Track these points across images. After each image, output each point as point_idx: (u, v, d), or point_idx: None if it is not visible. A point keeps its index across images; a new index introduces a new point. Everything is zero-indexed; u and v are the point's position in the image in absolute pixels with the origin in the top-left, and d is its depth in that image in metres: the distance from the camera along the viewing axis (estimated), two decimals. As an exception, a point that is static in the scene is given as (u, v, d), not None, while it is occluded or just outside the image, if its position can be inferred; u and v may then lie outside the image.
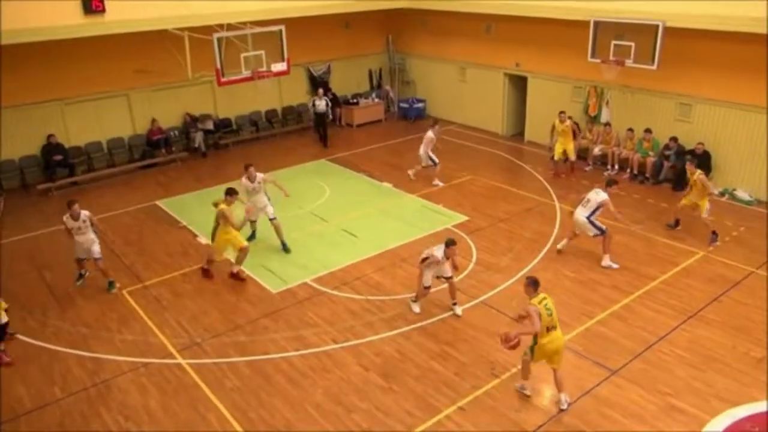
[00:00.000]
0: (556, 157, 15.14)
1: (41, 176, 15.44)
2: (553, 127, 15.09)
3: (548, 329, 7.24)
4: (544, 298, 7.27)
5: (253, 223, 12.08)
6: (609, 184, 11.08)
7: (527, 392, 7.79)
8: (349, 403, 7.79)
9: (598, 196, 10.85)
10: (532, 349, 7.42)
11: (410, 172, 15.26)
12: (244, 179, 11.52)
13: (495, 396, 7.82)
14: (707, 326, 9.17)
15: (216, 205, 10.43)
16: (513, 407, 7.61)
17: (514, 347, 7.28)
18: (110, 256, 11.76)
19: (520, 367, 7.82)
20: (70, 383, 8.33)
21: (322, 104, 18.20)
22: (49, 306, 10.21)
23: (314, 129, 18.95)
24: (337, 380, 8.19)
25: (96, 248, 10.41)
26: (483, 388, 7.95)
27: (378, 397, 7.85)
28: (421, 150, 14.85)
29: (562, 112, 15.00)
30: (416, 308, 9.75)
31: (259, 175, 11.56)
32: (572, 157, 15.10)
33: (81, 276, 10.82)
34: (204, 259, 10.97)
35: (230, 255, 10.89)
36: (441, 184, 14.92)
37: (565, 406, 7.53)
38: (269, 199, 11.85)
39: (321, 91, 18.45)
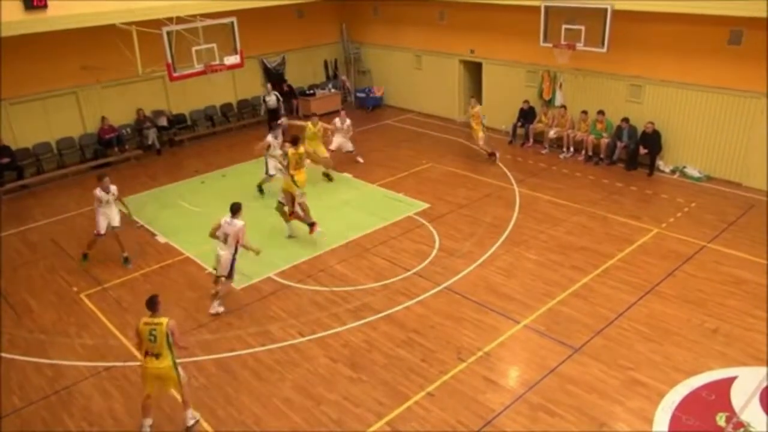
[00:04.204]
0: None
1: (-12, 181, 14.90)
2: None
3: (147, 353, 6.86)
4: (158, 324, 6.77)
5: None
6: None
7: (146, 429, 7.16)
8: (318, 395, 7.78)
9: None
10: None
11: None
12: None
13: (462, 380, 7.92)
14: (663, 301, 9.46)
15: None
16: (480, 390, 7.73)
17: None
18: (67, 259, 11.51)
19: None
20: (29, 392, 8.09)
21: (272, 99, 18.18)
22: (3, 314, 9.88)
23: (268, 124, 18.52)
24: (305, 373, 8.17)
25: (118, 218, 11.16)
26: (450, 373, 8.05)
27: (347, 388, 7.86)
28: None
29: None
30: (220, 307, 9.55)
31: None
32: None
33: (85, 257, 11.35)
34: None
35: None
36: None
37: (191, 423, 7.18)
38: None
39: (269, 86, 18.38)
